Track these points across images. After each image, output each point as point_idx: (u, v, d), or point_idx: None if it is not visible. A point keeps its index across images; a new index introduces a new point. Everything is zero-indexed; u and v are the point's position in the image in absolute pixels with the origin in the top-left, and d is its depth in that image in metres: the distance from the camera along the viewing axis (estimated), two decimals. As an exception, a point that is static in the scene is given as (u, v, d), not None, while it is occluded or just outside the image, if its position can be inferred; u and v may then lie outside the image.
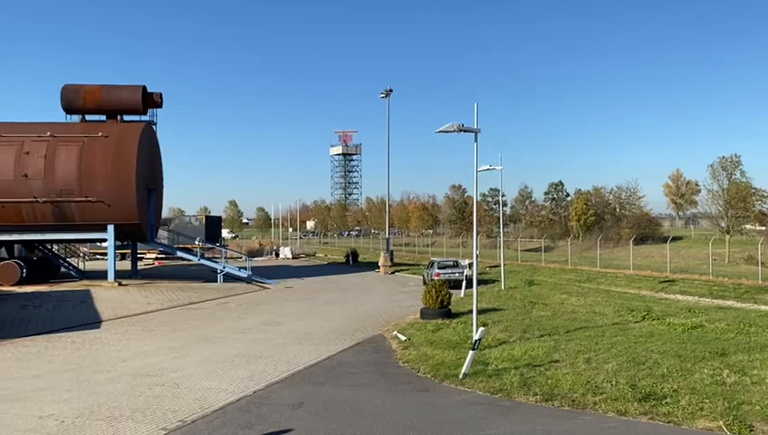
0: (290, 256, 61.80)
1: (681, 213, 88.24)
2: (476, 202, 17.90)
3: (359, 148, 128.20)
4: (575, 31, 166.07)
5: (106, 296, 25.84)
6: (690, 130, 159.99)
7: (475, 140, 13.71)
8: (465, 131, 13.26)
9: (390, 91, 48.83)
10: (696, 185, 72.65)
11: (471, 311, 15.24)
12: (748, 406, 9.05)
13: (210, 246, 47.38)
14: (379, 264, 43.19)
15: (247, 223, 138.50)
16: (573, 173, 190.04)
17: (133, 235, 32.72)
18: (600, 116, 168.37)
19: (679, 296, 25.23)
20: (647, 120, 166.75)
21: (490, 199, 75.40)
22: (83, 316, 21.32)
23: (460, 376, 11.36)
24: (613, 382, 10.53)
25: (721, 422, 8.43)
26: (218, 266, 34.28)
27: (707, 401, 9.33)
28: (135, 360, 14.12)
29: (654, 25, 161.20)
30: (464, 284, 26.33)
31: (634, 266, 35.03)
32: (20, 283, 29.04)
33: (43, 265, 33.69)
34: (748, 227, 52.18)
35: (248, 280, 33.89)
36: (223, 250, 42.64)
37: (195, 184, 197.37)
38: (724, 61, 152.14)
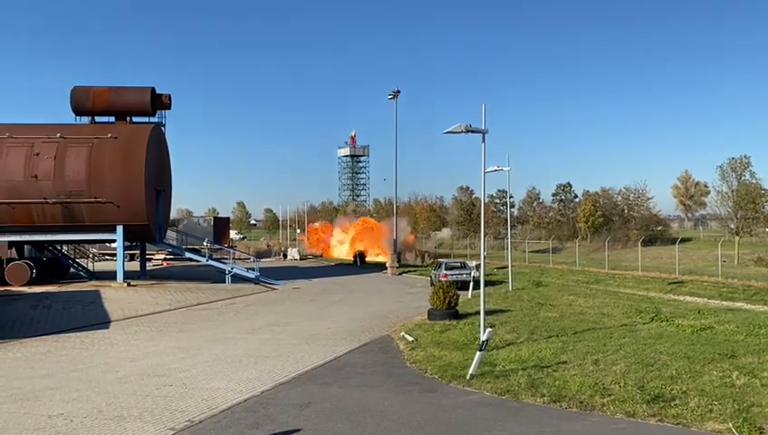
0: (298, 257, 61.90)
1: (690, 214, 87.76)
2: (484, 203, 17.87)
3: (366, 149, 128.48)
4: (582, 31, 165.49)
5: (115, 297, 25.98)
6: (699, 131, 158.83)
7: (483, 141, 13.69)
8: (472, 132, 13.24)
9: (398, 92, 48.82)
10: (705, 186, 72.29)
11: (478, 312, 15.21)
12: (758, 408, 9.00)
13: (218, 246, 47.55)
14: (387, 265, 43.20)
15: (255, 224, 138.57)
16: (581, 174, 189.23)
17: (142, 235, 32.88)
18: (608, 117, 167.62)
19: (688, 298, 25.10)
20: (655, 121, 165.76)
21: (498, 201, 75.23)
22: (92, 316, 21.45)
23: (467, 377, 11.34)
24: (621, 384, 10.49)
25: (730, 424, 8.37)
26: (226, 267, 34.37)
27: (716, 402, 9.28)
28: (143, 360, 14.19)
29: (661, 26, 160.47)
30: (471, 285, 26.31)
31: (642, 268, 34.86)
32: (30, 283, 29.25)
33: (52, 265, 33.91)
34: None
35: (256, 281, 33.96)
36: (231, 251, 42.76)
37: (203, 185, 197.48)
38: (734, 61, 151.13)
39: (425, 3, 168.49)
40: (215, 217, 66.10)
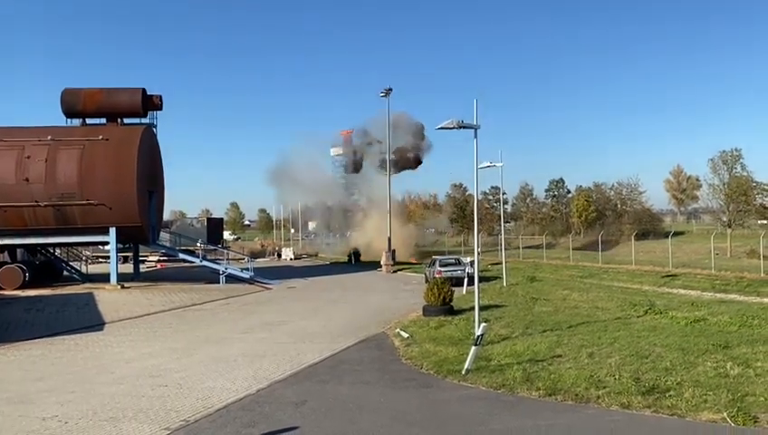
0: (292, 257, 61.83)
1: (682, 208, 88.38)
2: (477, 200, 17.90)
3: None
4: (574, 28, 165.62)
5: (109, 299, 25.87)
6: (690, 124, 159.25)
7: (475, 137, 13.71)
8: (464, 128, 13.28)
9: (390, 90, 48.80)
10: (697, 180, 72.76)
11: (473, 308, 15.26)
12: (752, 398, 9.04)
13: (212, 247, 47.39)
14: (381, 263, 43.21)
15: (249, 225, 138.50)
16: (574, 170, 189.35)
17: (135, 237, 32.76)
18: (600, 112, 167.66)
19: (682, 291, 25.21)
20: (647, 116, 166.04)
21: (491, 197, 75.37)
22: (86, 319, 21.34)
23: (463, 372, 11.36)
24: (616, 376, 10.52)
25: (725, 414, 8.42)
26: (220, 268, 34.30)
27: (711, 393, 9.32)
28: (138, 361, 14.13)
29: (651, 20, 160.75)
30: (465, 281, 26.34)
31: (636, 262, 35.01)
32: (23, 287, 29.09)
33: (45, 268, 33.75)
34: (761, 222, 52.20)
35: (250, 281, 33.91)
36: (225, 251, 42.65)
37: (196, 186, 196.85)
38: (724, 53, 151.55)
39: (420, 1, 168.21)
40: (208, 218, 65.88)
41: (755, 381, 9.85)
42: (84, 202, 29.16)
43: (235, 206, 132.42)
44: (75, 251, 42.57)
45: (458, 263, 31.28)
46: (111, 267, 30.61)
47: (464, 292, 24.81)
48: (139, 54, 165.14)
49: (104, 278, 31.44)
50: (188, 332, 18.62)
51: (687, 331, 14.86)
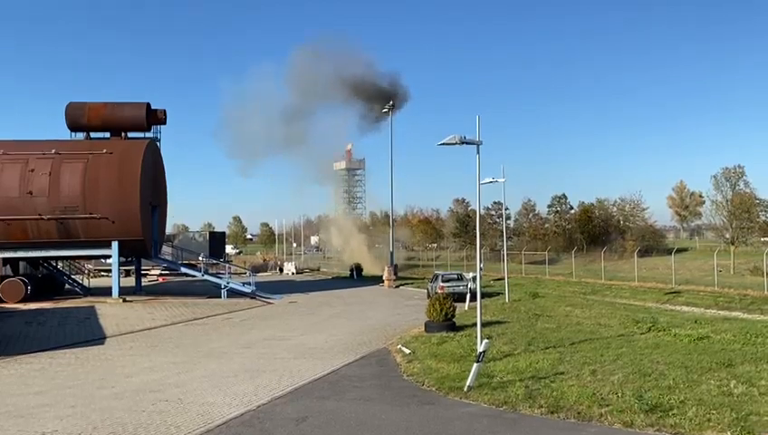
0: (294, 271, 61.75)
1: (685, 225, 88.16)
2: (479, 215, 17.93)
3: (362, 162, 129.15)
4: (575, 43, 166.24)
5: (110, 312, 25.83)
6: (694, 140, 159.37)
7: (477, 153, 13.75)
8: (466, 144, 13.30)
9: (393, 105, 49.12)
10: (700, 196, 72.65)
11: (475, 324, 15.19)
12: (756, 417, 8.97)
13: (214, 261, 47.42)
14: (383, 277, 43.14)
15: (251, 239, 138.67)
16: (576, 185, 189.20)
17: (137, 251, 32.76)
18: (603, 128, 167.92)
19: (685, 308, 25.11)
20: (650, 132, 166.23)
21: (493, 213, 75.31)
22: (87, 332, 21.32)
23: (465, 389, 11.30)
24: (619, 394, 10.46)
25: (729, 433, 8.35)
26: (222, 282, 34.26)
27: (714, 412, 9.25)
28: (139, 375, 14.10)
29: (655, 34, 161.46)
30: (468, 297, 26.26)
31: (639, 278, 34.88)
32: (25, 300, 29.06)
33: (47, 281, 33.73)
34: (764, 239, 52.16)
35: (252, 295, 33.84)
36: (227, 266, 42.64)
37: (198, 200, 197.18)
38: (728, 69, 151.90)
39: (418, 16, 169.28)
40: (210, 232, 66.08)
41: (759, 400, 9.79)
42: (87, 216, 29.23)
43: (237, 219, 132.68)
44: (77, 264, 42.61)
45: (460, 278, 31.18)
46: (113, 281, 30.60)
47: (466, 307, 24.73)
48: (143, 69, 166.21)
49: (106, 292, 31.41)
50: (189, 346, 18.58)
51: (691, 348, 14.77)
